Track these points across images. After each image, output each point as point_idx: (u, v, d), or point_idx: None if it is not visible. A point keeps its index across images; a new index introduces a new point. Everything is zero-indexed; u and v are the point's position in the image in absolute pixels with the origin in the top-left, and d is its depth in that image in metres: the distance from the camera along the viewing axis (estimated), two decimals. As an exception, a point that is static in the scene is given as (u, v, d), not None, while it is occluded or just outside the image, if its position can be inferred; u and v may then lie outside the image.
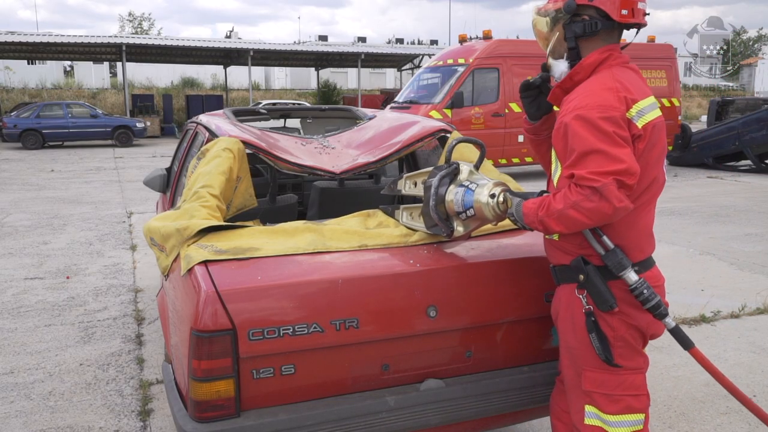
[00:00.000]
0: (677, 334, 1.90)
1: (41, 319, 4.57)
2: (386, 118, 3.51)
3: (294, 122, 4.59)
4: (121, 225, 7.98)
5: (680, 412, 3.20)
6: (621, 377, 1.91)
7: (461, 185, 2.12)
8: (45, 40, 24.86)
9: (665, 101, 13.68)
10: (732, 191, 10.93)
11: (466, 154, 2.81)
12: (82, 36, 27.32)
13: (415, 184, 2.41)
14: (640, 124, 1.77)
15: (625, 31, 1.97)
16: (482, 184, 2.07)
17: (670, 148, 14.04)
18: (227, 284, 1.94)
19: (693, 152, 14.42)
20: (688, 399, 3.34)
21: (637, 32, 1.99)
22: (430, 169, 2.26)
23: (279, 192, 3.52)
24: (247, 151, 2.77)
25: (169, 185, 4.10)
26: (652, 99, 1.85)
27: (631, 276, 1.82)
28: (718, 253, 6.45)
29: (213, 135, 2.91)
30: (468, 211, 2.08)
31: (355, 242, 2.27)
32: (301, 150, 3.00)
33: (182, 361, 2.04)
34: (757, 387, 3.49)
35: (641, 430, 1.95)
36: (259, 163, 3.74)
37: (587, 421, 1.95)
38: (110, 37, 28.56)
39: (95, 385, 3.53)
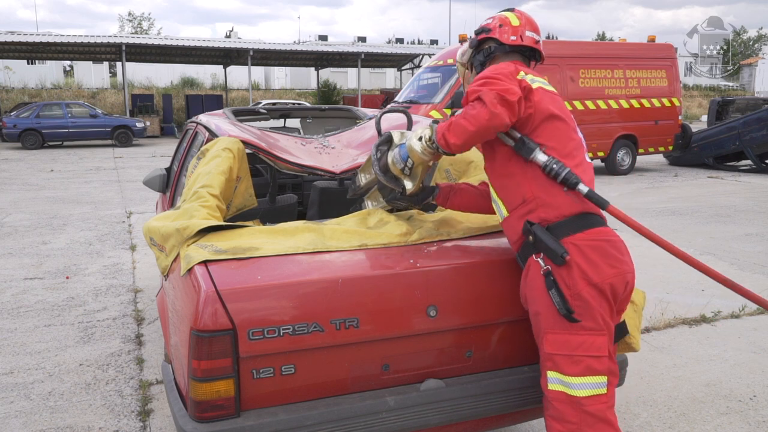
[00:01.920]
0: (591, 197, 1.98)
1: (41, 319, 4.57)
2: (386, 117, 3.51)
3: (294, 122, 4.60)
4: (120, 225, 7.98)
5: (680, 412, 3.20)
6: (581, 337, 1.96)
7: (397, 146, 2.32)
8: (45, 40, 24.87)
9: (665, 101, 13.68)
10: (732, 191, 10.93)
11: (466, 153, 2.81)
12: (81, 36, 27.33)
13: (370, 174, 2.55)
14: (532, 84, 2.05)
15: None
16: (411, 135, 2.24)
17: (671, 148, 14.07)
18: (227, 284, 1.94)
19: (693, 152, 14.43)
20: (688, 399, 3.34)
21: (535, 63, 2.32)
22: (375, 142, 2.44)
23: (279, 192, 3.52)
24: (247, 151, 2.77)
25: (168, 185, 4.09)
26: (542, 79, 2.14)
27: (540, 157, 2.01)
28: (718, 253, 6.45)
29: (213, 135, 2.91)
30: (407, 162, 2.24)
31: (355, 242, 2.27)
32: (301, 150, 3.00)
33: (182, 361, 2.04)
34: (758, 387, 3.49)
35: (605, 396, 1.97)
36: (259, 163, 3.74)
37: (550, 386, 2.01)
38: (110, 36, 28.57)
39: (95, 386, 3.53)
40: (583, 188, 1.98)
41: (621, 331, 2.15)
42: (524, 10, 2.41)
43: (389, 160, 2.33)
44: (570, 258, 1.95)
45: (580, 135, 2.18)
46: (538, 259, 2.02)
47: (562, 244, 1.96)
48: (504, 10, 2.33)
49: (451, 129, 2.00)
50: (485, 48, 2.28)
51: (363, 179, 2.61)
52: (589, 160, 2.18)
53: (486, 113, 1.91)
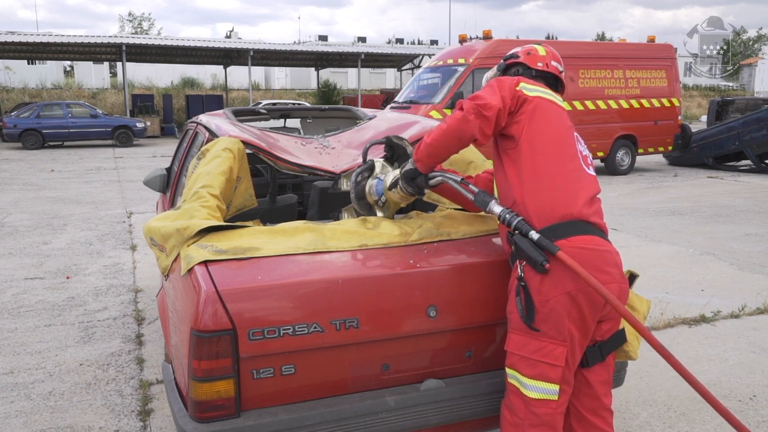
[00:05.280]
0: (541, 243, 1.98)
1: (41, 319, 4.57)
2: (386, 118, 3.52)
3: (294, 122, 4.60)
4: (121, 225, 7.99)
5: (680, 412, 3.20)
6: (541, 343, 2.00)
7: (376, 178, 2.49)
8: (45, 40, 24.85)
9: (665, 101, 13.67)
10: (732, 191, 10.94)
11: (466, 154, 2.81)
12: (82, 36, 27.32)
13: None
14: (529, 94, 2.17)
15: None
16: (389, 173, 2.43)
17: (671, 148, 14.06)
18: (227, 284, 1.94)
19: (693, 152, 14.42)
20: (688, 399, 3.34)
21: (559, 87, 2.47)
22: (358, 169, 2.57)
23: (279, 192, 3.52)
24: (247, 151, 2.77)
25: (169, 185, 4.10)
26: (550, 92, 2.28)
27: (495, 208, 2.11)
28: (718, 253, 6.46)
29: (213, 135, 2.91)
30: (381, 198, 2.45)
31: (355, 242, 2.27)
32: (301, 150, 3.00)
33: (182, 361, 2.04)
34: (757, 387, 3.49)
35: (555, 403, 2.02)
36: (259, 163, 3.74)
37: (510, 379, 2.10)
38: (110, 37, 28.56)
39: (95, 385, 3.53)
40: (534, 235, 1.99)
41: (619, 339, 2.16)
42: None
43: (366, 188, 2.50)
44: (548, 264, 1.97)
45: (582, 148, 2.22)
46: (519, 266, 2.06)
47: (542, 252, 1.97)
48: (533, 44, 2.53)
49: (427, 143, 2.19)
50: (512, 71, 2.45)
51: (344, 185, 2.69)
52: (592, 172, 2.20)
53: (459, 116, 2.09)
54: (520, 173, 2.10)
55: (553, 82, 2.45)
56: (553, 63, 2.44)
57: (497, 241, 2.41)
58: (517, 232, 2.04)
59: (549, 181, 2.07)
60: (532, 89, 2.19)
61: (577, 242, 2.00)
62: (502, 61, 2.52)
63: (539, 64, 2.42)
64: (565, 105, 2.33)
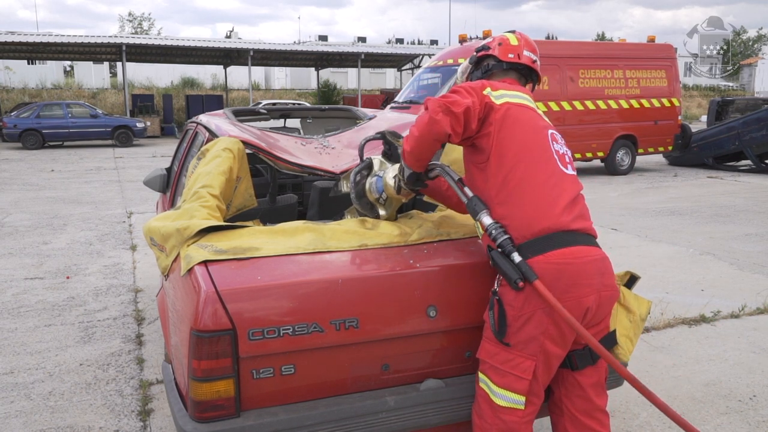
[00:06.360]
0: (521, 267, 1.94)
1: (41, 319, 4.57)
2: (386, 118, 3.52)
3: (294, 122, 4.60)
4: (121, 225, 7.99)
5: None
6: (510, 355, 2.01)
7: (375, 175, 2.46)
8: (45, 40, 24.86)
9: (665, 101, 13.67)
10: (732, 191, 10.94)
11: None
12: (82, 36, 27.33)
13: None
14: (496, 101, 2.09)
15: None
16: (388, 169, 2.40)
17: (671, 148, 14.07)
18: (227, 284, 1.94)
19: (693, 152, 14.43)
20: (688, 399, 3.34)
21: (533, 85, 2.43)
22: (356, 168, 2.55)
23: (279, 192, 3.53)
24: (247, 151, 2.78)
25: (169, 185, 4.10)
26: (519, 93, 2.19)
27: (485, 219, 2.03)
28: (718, 253, 6.46)
29: (213, 135, 2.91)
30: (382, 195, 2.42)
31: (355, 242, 2.27)
32: (301, 150, 3.00)
33: (182, 361, 2.04)
34: (757, 387, 3.49)
35: (522, 412, 2.03)
36: (259, 163, 3.74)
37: (480, 384, 2.10)
38: (110, 37, 28.57)
39: (95, 385, 3.53)
40: (516, 257, 1.94)
41: (609, 342, 2.16)
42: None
43: (366, 186, 2.47)
44: (522, 283, 1.94)
45: (558, 147, 2.14)
46: (497, 279, 2.06)
47: (518, 270, 1.93)
48: (505, 32, 2.44)
49: (407, 138, 2.12)
50: (484, 65, 2.39)
51: (344, 186, 2.67)
52: (571, 172, 2.13)
53: (426, 118, 2.01)
54: (491, 189, 2.05)
55: (527, 72, 2.36)
56: (526, 53, 2.34)
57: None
58: (500, 250, 1.98)
59: (524, 195, 2.01)
60: (500, 95, 2.11)
61: (555, 257, 1.94)
62: (474, 53, 2.43)
63: (510, 56, 2.32)
64: (540, 105, 2.25)
